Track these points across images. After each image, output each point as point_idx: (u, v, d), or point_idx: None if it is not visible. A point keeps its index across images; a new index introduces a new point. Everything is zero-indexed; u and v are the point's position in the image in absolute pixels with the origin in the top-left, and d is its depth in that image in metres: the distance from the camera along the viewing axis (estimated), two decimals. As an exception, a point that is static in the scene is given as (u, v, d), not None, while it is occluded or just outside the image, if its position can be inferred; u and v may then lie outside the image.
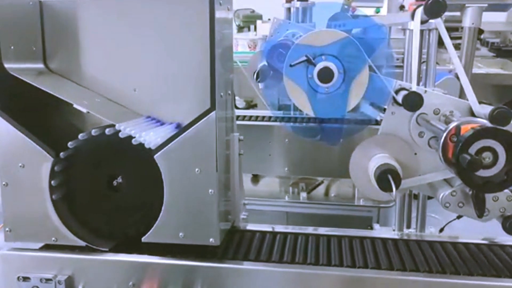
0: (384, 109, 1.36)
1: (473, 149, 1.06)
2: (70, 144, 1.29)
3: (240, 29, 4.63)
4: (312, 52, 1.28)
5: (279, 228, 1.54)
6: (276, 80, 2.00)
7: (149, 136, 1.27)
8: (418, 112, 1.28)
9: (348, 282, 1.29)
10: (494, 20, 3.83)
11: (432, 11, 1.25)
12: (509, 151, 1.07)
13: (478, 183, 1.10)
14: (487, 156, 1.07)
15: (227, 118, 1.40)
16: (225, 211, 1.41)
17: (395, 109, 1.31)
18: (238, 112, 2.61)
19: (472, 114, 1.25)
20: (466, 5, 2.21)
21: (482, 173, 1.08)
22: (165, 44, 1.32)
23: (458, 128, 1.10)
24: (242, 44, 3.78)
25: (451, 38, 1.31)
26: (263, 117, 2.57)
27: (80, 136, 1.28)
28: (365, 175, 1.31)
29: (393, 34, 2.69)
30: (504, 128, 1.08)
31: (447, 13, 1.28)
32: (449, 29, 1.33)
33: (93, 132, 1.28)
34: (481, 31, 4.04)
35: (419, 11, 1.29)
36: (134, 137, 1.25)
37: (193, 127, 1.26)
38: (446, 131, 1.12)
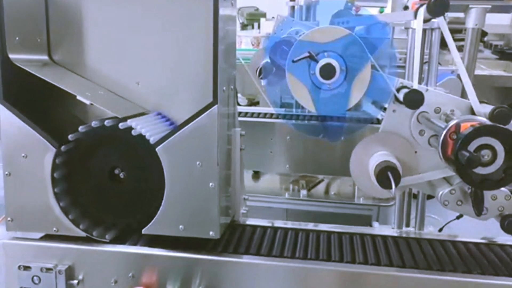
0: (385, 108, 1.37)
1: (472, 147, 1.07)
2: (71, 137, 1.30)
3: (244, 26, 4.64)
4: (314, 48, 1.29)
5: (279, 224, 1.55)
6: (278, 77, 2.01)
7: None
8: (419, 110, 1.29)
9: (346, 278, 1.29)
10: (498, 22, 3.83)
11: (435, 10, 1.25)
12: (508, 149, 1.07)
13: (477, 180, 1.10)
14: (486, 154, 1.08)
15: (229, 113, 1.41)
16: (226, 205, 1.42)
17: (396, 107, 1.32)
18: (240, 108, 2.62)
19: (473, 113, 1.26)
20: (470, 6, 2.21)
21: (481, 170, 1.09)
22: (169, 39, 1.33)
23: (458, 125, 1.11)
24: (245, 42, 3.79)
25: (455, 39, 1.32)
26: (265, 114, 2.58)
27: (80, 128, 1.29)
28: (365, 172, 1.32)
29: (396, 34, 2.70)
30: (504, 127, 1.09)
31: (450, 15, 1.28)
32: (452, 31, 1.33)
33: (93, 124, 1.28)
34: (484, 34, 4.04)
35: (422, 10, 1.30)
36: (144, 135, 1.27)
37: (195, 121, 1.27)
38: (446, 129, 1.13)
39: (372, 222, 2.30)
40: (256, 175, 2.82)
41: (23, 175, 1.35)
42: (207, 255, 1.32)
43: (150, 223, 1.33)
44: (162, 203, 1.31)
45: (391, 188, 1.22)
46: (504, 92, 3.31)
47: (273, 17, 3.80)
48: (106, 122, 1.27)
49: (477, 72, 2.81)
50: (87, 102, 1.30)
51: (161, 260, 1.33)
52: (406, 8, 3.59)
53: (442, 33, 1.36)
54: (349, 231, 1.51)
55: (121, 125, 1.25)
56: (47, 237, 1.40)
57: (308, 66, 1.30)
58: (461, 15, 2.31)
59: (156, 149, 1.29)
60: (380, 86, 1.31)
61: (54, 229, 1.37)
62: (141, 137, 1.27)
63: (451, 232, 1.87)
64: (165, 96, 1.36)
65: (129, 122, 1.26)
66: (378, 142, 1.34)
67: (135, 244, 1.36)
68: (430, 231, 1.70)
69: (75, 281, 1.34)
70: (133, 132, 1.25)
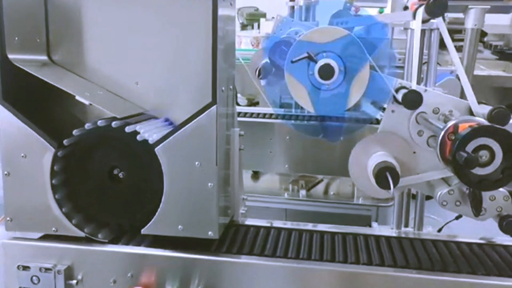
0: (384, 108, 1.37)
1: (470, 147, 1.07)
2: (66, 142, 1.30)
3: (244, 27, 4.64)
4: (313, 49, 1.29)
5: (277, 224, 1.56)
6: (278, 78, 2.01)
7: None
8: (417, 110, 1.29)
9: (344, 278, 1.30)
10: (497, 23, 3.83)
11: (433, 10, 1.25)
12: (506, 150, 1.08)
13: (474, 181, 1.11)
14: (484, 154, 1.08)
15: (228, 113, 1.41)
16: (224, 205, 1.42)
17: (395, 108, 1.32)
18: (239, 109, 2.62)
19: (472, 114, 1.26)
20: (469, 6, 2.22)
21: (479, 171, 1.09)
22: (168, 39, 1.33)
23: (456, 126, 1.11)
24: (245, 42, 3.78)
25: (455, 40, 1.32)
26: (265, 114, 2.58)
27: (74, 132, 1.29)
28: (364, 173, 1.32)
29: (396, 35, 2.70)
30: (502, 127, 1.09)
31: (450, 15, 1.28)
32: (452, 31, 1.33)
33: (86, 126, 1.29)
34: (484, 34, 4.04)
35: (421, 10, 1.30)
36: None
37: (194, 121, 1.27)
38: (444, 129, 1.13)
39: (372, 222, 2.30)
40: (256, 175, 2.82)
41: (22, 175, 1.35)
42: (206, 255, 1.32)
43: (149, 223, 1.33)
44: (161, 203, 1.32)
45: (389, 188, 1.22)
46: (503, 92, 3.31)
47: (273, 17, 3.80)
48: (99, 123, 1.28)
49: (476, 72, 2.81)
50: (86, 102, 1.30)
51: (160, 260, 1.33)
52: (406, 8, 3.59)
53: (441, 34, 1.36)
54: (348, 231, 1.51)
55: (114, 124, 1.26)
56: (46, 237, 1.40)
57: (307, 66, 1.30)
58: (461, 15, 2.32)
59: (155, 149, 1.29)
60: (379, 87, 1.31)
61: (53, 229, 1.37)
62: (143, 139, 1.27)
63: (451, 232, 1.87)
64: (164, 96, 1.37)
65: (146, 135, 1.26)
66: (377, 143, 1.34)
67: (134, 244, 1.37)
68: (429, 231, 1.70)
69: (74, 281, 1.35)
70: (127, 129, 1.26)
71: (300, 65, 1.30)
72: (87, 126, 1.29)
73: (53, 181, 1.34)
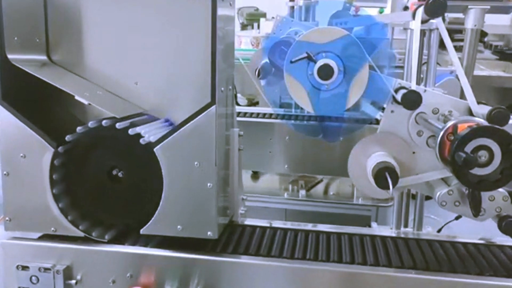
0: (384, 108, 1.37)
1: (469, 148, 1.07)
2: (68, 138, 1.30)
3: (244, 27, 4.65)
4: (313, 49, 1.29)
5: (277, 224, 1.55)
6: (277, 78, 2.01)
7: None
8: (417, 111, 1.29)
9: (344, 278, 1.30)
10: (498, 23, 3.83)
11: (433, 10, 1.26)
12: (505, 150, 1.08)
13: (473, 181, 1.11)
14: (483, 155, 1.08)
15: (227, 113, 1.41)
16: (224, 205, 1.42)
17: (394, 108, 1.32)
18: (239, 108, 2.62)
19: (471, 114, 1.26)
20: (469, 6, 2.22)
21: (478, 171, 1.09)
22: (167, 39, 1.33)
23: (455, 126, 1.11)
24: (245, 42, 3.79)
25: (455, 40, 1.32)
26: (264, 114, 2.58)
27: (78, 129, 1.29)
28: (363, 173, 1.32)
29: (396, 35, 2.70)
30: (501, 128, 1.09)
31: (450, 15, 1.29)
32: (453, 31, 1.33)
33: (90, 124, 1.29)
34: (484, 34, 4.04)
35: (420, 11, 1.30)
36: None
37: (193, 121, 1.27)
38: (444, 130, 1.13)
39: (371, 222, 2.30)
40: (255, 175, 2.82)
41: (22, 175, 1.35)
42: (205, 255, 1.32)
43: (148, 223, 1.33)
44: (160, 203, 1.32)
45: (388, 188, 1.22)
46: (503, 92, 3.31)
47: (272, 17, 3.80)
48: (103, 123, 1.27)
49: (476, 72, 2.81)
50: (85, 102, 1.30)
51: (159, 260, 1.33)
52: (406, 8, 3.59)
53: (441, 34, 1.36)
54: (348, 231, 1.51)
55: (104, 123, 1.26)
56: (46, 237, 1.40)
57: (306, 66, 1.30)
58: (461, 15, 2.31)
59: (154, 149, 1.29)
60: (378, 87, 1.31)
61: (52, 229, 1.37)
62: (139, 137, 1.27)
63: (451, 232, 1.87)
64: (164, 96, 1.37)
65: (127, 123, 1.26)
66: (376, 143, 1.34)
67: (133, 244, 1.37)
68: (428, 231, 1.70)
69: (73, 281, 1.34)
70: (118, 126, 1.26)
71: (300, 65, 1.30)
72: (79, 129, 1.29)
73: (54, 191, 1.34)
